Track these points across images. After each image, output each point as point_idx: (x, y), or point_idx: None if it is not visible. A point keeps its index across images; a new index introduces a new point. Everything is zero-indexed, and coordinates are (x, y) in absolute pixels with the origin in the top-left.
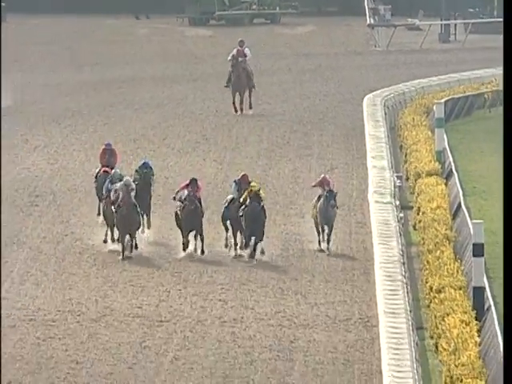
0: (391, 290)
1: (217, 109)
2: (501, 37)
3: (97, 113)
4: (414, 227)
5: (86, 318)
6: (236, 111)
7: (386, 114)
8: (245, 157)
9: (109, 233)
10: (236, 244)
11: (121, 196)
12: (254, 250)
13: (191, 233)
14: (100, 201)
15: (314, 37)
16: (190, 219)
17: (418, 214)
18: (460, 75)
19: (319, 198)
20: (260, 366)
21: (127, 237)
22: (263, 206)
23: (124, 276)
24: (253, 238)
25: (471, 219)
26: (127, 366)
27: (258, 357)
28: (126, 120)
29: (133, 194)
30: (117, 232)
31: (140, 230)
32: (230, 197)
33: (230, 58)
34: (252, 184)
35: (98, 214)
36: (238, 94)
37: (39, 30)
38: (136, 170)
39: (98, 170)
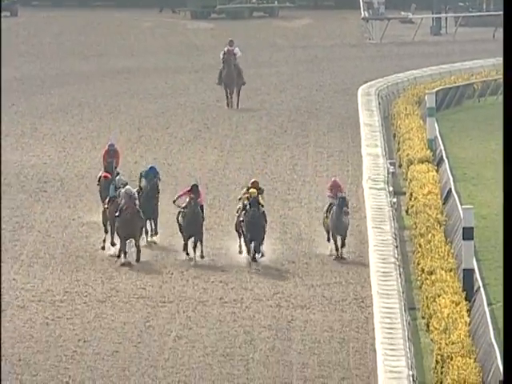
0: (384, 271)
1: (218, 99)
2: (489, 29)
3: (103, 102)
4: (407, 212)
5: (93, 299)
6: (228, 106)
7: (379, 103)
8: (244, 145)
9: (107, 238)
10: (249, 250)
11: (123, 202)
12: (255, 253)
13: (191, 238)
14: (102, 201)
15: (311, 29)
16: (190, 225)
17: (410, 199)
18: (451, 66)
19: (330, 206)
20: (259, 344)
21: (130, 243)
22: (263, 212)
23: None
24: (253, 243)
25: (461, 204)
26: (132, 345)
27: (258, 336)
28: (130, 109)
29: (136, 201)
30: (117, 237)
31: (142, 237)
32: (241, 204)
33: (221, 56)
34: (251, 190)
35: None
36: (229, 89)
37: (49, 23)
38: (141, 175)
39: (100, 174)
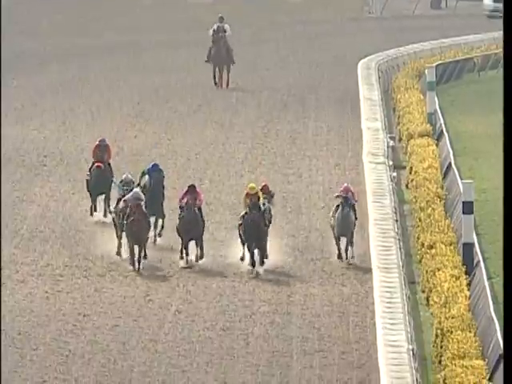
0: (384, 246)
1: None
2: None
3: (103, 77)
4: (407, 186)
5: (93, 273)
6: (216, 84)
7: (379, 77)
8: (244, 119)
9: (123, 244)
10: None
11: (129, 207)
12: (262, 263)
13: (191, 241)
14: (91, 198)
15: (311, 4)
16: (188, 228)
17: (410, 173)
18: (451, 40)
19: (337, 207)
20: (259, 318)
21: (136, 248)
22: (263, 214)
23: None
24: (255, 251)
25: (461, 178)
26: (132, 319)
27: (257, 310)
28: (130, 84)
29: (143, 206)
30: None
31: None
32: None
33: (210, 32)
34: (250, 185)
35: (91, 214)
36: (217, 68)
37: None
38: (143, 172)
39: (91, 165)
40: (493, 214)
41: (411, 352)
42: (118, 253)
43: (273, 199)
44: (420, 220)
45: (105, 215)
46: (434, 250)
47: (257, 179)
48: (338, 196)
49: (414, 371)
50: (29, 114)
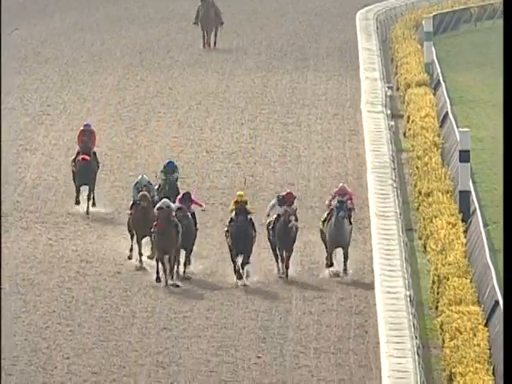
0: (382, 193)
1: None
2: None
3: (104, 27)
4: (404, 135)
5: (95, 221)
6: (204, 46)
7: (377, 28)
8: (244, 69)
9: (135, 247)
10: (282, 261)
11: (158, 215)
12: (242, 269)
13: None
14: (76, 189)
15: None
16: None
17: (407, 122)
18: None
19: (331, 212)
20: (259, 265)
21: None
22: (251, 220)
23: (131, 181)
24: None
25: (458, 127)
26: (133, 266)
27: (257, 255)
28: (131, 34)
29: (172, 211)
30: (141, 246)
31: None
32: (274, 216)
33: None
34: (238, 193)
35: (76, 203)
36: (206, 30)
37: None
38: (161, 171)
39: (75, 155)
40: (489, 163)
41: (408, 298)
42: (129, 257)
43: (296, 207)
44: (417, 168)
45: (92, 205)
46: (431, 198)
47: (256, 127)
48: (333, 198)
49: (411, 317)
50: (32, 63)
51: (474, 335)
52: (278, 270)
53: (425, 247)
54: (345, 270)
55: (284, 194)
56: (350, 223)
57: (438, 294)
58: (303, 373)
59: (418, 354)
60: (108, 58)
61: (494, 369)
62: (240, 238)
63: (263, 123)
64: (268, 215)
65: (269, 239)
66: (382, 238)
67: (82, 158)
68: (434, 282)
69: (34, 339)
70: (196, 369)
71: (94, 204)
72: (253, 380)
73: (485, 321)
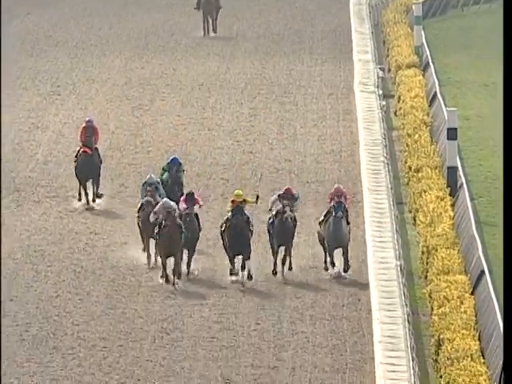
0: (374, 169)
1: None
2: None
3: (112, 12)
4: (395, 113)
5: (104, 194)
6: (204, 35)
7: (370, 12)
8: (244, 52)
9: (150, 251)
10: (284, 262)
11: (161, 217)
12: (243, 268)
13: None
14: (80, 184)
15: None
16: (184, 238)
17: (398, 102)
18: None
19: (328, 213)
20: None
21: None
22: (248, 219)
23: (137, 157)
24: (240, 258)
25: (446, 106)
26: (141, 249)
27: (256, 227)
28: (137, 18)
29: (176, 214)
30: (149, 245)
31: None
32: (273, 212)
33: None
34: (236, 192)
35: (79, 200)
36: (208, 16)
37: None
38: (163, 169)
39: (78, 150)
40: (475, 140)
41: (399, 268)
42: (148, 263)
43: (297, 203)
44: (407, 145)
45: (93, 200)
46: (420, 173)
47: (255, 107)
48: (331, 200)
49: (401, 286)
50: (43, 46)
51: (461, 303)
52: (275, 270)
53: (414, 220)
54: (346, 269)
55: (282, 191)
56: (348, 223)
57: (427, 264)
58: (299, 338)
59: (408, 320)
60: (115, 42)
61: (479, 334)
62: (236, 239)
63: (262, 103)
64: (270, 210)
65: (269, 235)
66: (373, 212)
67: (84, 151)
68: (423, 253)
69: (45, 307)
70: (198, 335)
71: (98, 196)
72: (252, 345)
73: (471, 289)
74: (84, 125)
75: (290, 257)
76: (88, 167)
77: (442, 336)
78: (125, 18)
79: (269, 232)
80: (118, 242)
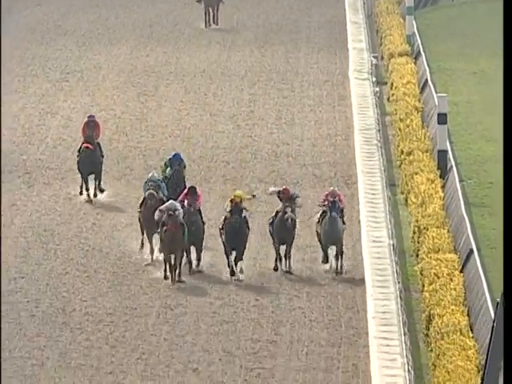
0: (368, 152)
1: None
2: None
3: (118, 2)
4: (388, 99)
5: (110, 177)
6: (206, 26)
7: (364, 3)
8: (244, 40)
9: (145, 238)
10: (281, 259)
11: (164, 217)
12: (236, 266)
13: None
14: (82, 178)
15: None
16: (189, 233)
17: (391, 88)
18: None
19: (323, 213)
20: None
21: (172, 259)
22: (245, 218)
23: (142, 140)
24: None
25: (436, 92)
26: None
27: (256, 209)
28: (142, 9)
29: (180, 215)
30: (152, 242)
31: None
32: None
33: None
34: (236, 193)
35: (80, 193)
36: (209, 8)
37: None
38: (166, 164)
39: (80, 146)
40: (464, 125)
41: (392, 246)
42: (152, 256)
43: (296, 203)
44: (400, 130)
45: (95, 195)
46: (411, 157)
47: (255, 93)
48: (324, 202)
49: (394, 263)
50: (52, 35)
51: (451, 280)
52: (276, 266)
53: (406, 201)
54: (341, 266)
55: (281, 189)
56: (344, 222)
57: (418, 243)
58: (297, 314)
59: (400, 297)
60: (121, 31)
61: (468, 310)
62: (234, 236)
63: (261, 89)
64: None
65: (271, 235)
66: (367, 193)
67: (86, 147)
68: (414, 232)
69: (55, 284)
70: (200, 310)
71: (101, 190)
72: (251, 320)
73: (460, 267)
74: (86, 120)
75: (290, 258)
76: (90, 162)
77: (432, 311)
78: (130, 8)
79: (270, 232)
80: (124, 222)
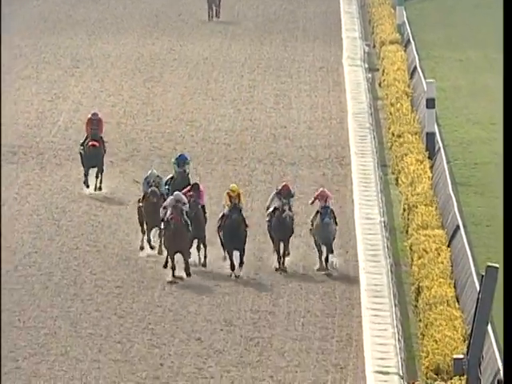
0: (361, 135)
1: None
2: None
3: None
4: (379, 85)
5: (117, 158)
6: (209, 19)
7: None
8: (244, 29)
9: (145, 238)
10: (280, 256)
11: (169, 212)
12: (240, 266)
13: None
14: (84, 169)
15: None
16: (192, 228)
17: (382, 74)
18: None
19: (317, 213)
20: (256, 195)
21: (177, 256)
22: (243, 216)
23: (148, 124)
24: (236, 253)
25: (425, 78)
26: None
27: (255, 189)
28: (148, 0)
29: (185, 208)
30: (151, 236)
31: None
32: (271, 209)
33: None
34: (232, 186)
35: (87, 186)
36: (213, 5)
37: None
38: (173, 163)
39: (84, 139)
40: (451, 109)
41: (383, 223)
42: (141, 247)
43: (293, 200)
44: (390, 113)
45: (95, 189)
46: (402, 139)
47: (254, 79)
48: (314, 199)
49: (385, 239)
50: (64, 25)
51: (439, 255)
52: (278, 264)
53: (397, 180)
54: (332, 263)
55: (280, 187)
56: (336, 224)
57: (408, 220)
58: (294, 286)
59: (391, 270)
60: (129, 21)
61: (455, 283)
62: (233, 235)
63: (260, 75)
64: (268, 208)
65: (268, 232)
66: (360, 173)
67: (92, 145)
68: (404, 210)
69: (66, 258)
70: (203, 283)
71: (100, 188)
72: (251, 292)
73: (447, 242)
74: (89, 117)
75: (285, 256)
76: (94, 158)
77: (421, 284)
78: None
79: (268, 230)
80: (132, 200)
